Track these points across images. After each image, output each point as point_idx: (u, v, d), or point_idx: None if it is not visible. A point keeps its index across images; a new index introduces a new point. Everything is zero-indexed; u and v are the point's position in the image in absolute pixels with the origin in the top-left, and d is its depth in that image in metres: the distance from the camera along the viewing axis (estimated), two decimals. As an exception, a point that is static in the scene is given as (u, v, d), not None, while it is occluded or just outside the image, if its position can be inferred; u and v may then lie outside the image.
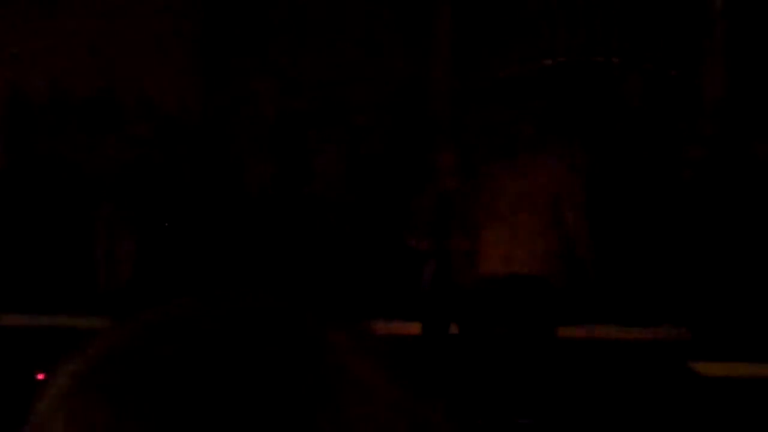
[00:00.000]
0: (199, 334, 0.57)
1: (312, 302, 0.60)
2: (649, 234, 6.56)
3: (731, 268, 6.72)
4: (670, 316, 6.79)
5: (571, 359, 6.20)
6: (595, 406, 6.18)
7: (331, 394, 0.56)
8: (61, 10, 7.00)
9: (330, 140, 6.44)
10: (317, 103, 6.63)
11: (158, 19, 7.00)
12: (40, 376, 6.35)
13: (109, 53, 6.98)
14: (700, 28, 7.30)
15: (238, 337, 0.57)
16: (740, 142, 6.83)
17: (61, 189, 6.58)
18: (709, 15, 7.30)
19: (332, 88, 6.74)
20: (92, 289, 6.43)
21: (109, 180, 6.55)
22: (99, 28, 7.00)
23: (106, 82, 6.97)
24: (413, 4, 7.26)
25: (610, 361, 6.68)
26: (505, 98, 6.60)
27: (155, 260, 6.36)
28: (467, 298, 5.49)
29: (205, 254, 6.46)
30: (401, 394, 0.60)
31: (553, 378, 5.77)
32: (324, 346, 0.58)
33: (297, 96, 6.73)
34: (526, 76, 7.06)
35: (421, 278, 5.65)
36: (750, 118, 7.09)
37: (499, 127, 6.35)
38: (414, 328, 5.95)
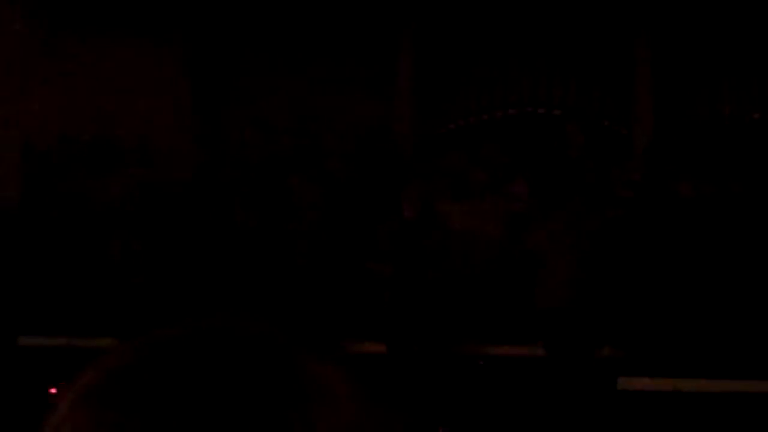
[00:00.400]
0: (192, 355, 0.64)
1: (289, 326, 0.67)
2: (588, 265, 7.42)
3: (658, 293, 7.55)
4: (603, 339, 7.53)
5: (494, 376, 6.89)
6: (529, 424, 6.73)
7: (303, 401, 0.64)
8: (68, 68, 7.89)
9: (307, 181, 7.34)
10: (295, 149, 7.55)
11: (156, 73, 7.91)
12: (53, 391, 7.10)
13: (111, 104, 7.88)
14: (628, 80, 8.28)
15: (224, 359, 0.64)
16: (665, 183, 7.76)
17: (74, 222, 7.42)
18: (636, 67, 8.28)
19: (308, 136, 7.68)
20: (106, 311, 7.21)
21: (117, 214, 7.42)
22: (102, 82, 7.89)
23: (108, 129, 7.86)
24: (378, 60, 8.21)
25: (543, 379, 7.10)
26: (460, 145, 7.53)
27: (161, 287, 7.18)
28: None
29: (201, 281, 7.28)
30: (365, 403, 0.68)
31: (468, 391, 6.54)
32: (298, 364, 0.65)
33: (277, 143, 7.66)
34: (479, 125, 8.02)
35: (384, 300, 6.55)
36: (674, 161, 8.05)
37: (454, 172, 7.26)
38: (381, 347, 6.77)
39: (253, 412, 0.62)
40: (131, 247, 7.42)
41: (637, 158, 7.93)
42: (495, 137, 7.71)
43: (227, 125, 7.94)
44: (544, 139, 7.74)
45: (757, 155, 8.33)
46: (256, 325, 0.67)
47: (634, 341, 7.50)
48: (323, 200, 7.30)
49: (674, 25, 8.58)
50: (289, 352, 0.66)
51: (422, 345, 6.61)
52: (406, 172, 7.14)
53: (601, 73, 8.27)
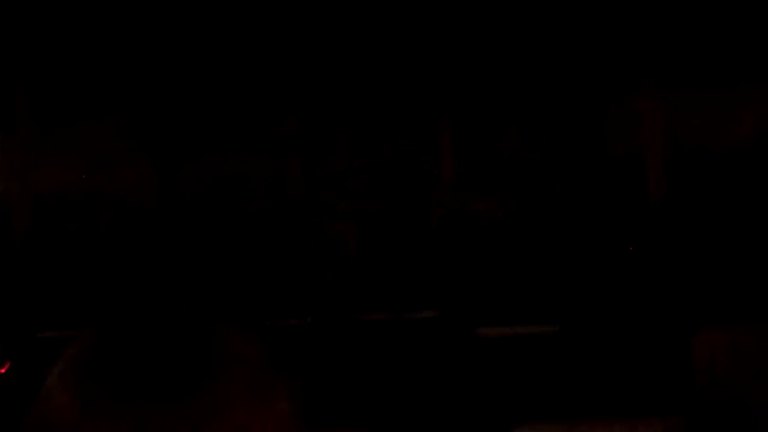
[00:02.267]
0: (138, 333, 0.85)
1: (212, 307, 0.87)
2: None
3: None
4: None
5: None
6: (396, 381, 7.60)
7: (214, 360, 0.83)
8: (62, 140, 11.16)
9: (235, 216, 10.72)
10: (227, 195, 10.93)
11: (123, 144, 11.28)
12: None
13: (93, 167, 11.21)
14: (435, 137, 11.41)
15: (159, 333, 0.85)
16: (466, 204, 10.90)
17: (76, 257, 10.57)
18: (441, 132, 11.53)
19: (238, 185, 11.09)
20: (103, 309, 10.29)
21: (103, 244, 10.69)
22: (87, 151, 11.24)
23: (93, 186, 11.16)
24: (274, 130, 11.66)
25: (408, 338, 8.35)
26: (340, 187, 10.78)
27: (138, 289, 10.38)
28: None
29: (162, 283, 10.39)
30: (268, 365, 0.85)
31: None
32: (214, 333, 0.85)
33: (215, 193, 11.06)
34: (349, 171, 11.41)
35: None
36: (471, 187, 11.13)
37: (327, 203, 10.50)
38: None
39: (177, 370, 0.82)
40: (115, 264, 10.72)
41: (446, 188, 11.25)
42: (356, 178, 11.34)
43: (180, 180, 11.24)
44: (387, 178, 11.42)
45: (533, 185, 11.10)
46: (185, 308, 0.87)
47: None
48: (247, 228, 10.70)
49: (467, 92, 11.52)
50: (207, 326, 0.86)
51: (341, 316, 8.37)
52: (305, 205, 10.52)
53: (416, 134, 11.79)
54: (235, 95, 11.56)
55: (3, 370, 8.38)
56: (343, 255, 9.41)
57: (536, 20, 11.44)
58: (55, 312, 9.37)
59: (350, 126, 11.83)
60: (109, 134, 11.32)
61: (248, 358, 0.85)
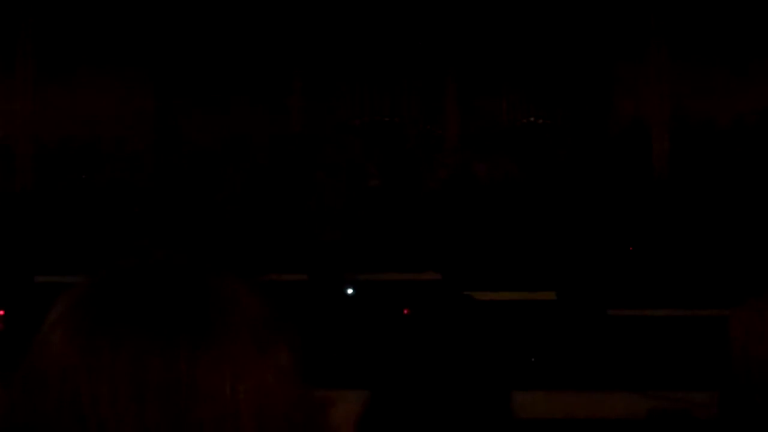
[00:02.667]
0: (137, 278, 0.88)
1: (209, 258, 0.87)
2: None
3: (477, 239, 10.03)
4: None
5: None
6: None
7: (212, 305, 0.85)
8: (68, 88, 11.22)
9: (237, 170, 10.83)
10: (227, 147, 11.04)
11: (129, 93, 11.37)
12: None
13: (97, 115, 11.30)
14: (441, 99, 11.77)
15: (162, 276, 0.87)
16: (468, 166, 11.53)
17: (75, 194, 10.70)
18: (446, 91, 11.71)
19: (238, 138, 11.18)
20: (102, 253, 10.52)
21: (103, 190, 10.81)
22: (91, 100, 11.33)
23: (95, 133, 11.25)
24: (277, 88, 11.69)
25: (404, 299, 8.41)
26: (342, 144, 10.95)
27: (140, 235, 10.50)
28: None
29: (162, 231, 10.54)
30: (264, 312, 0.87)
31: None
32: (214, 279, 0.88)
33: (214, 142, 11.18)
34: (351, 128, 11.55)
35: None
36: (474, 150, 11.58)
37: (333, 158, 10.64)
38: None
39: (177, 314, 0.84)
40: (114, 211, 10.84)
41: (449, 149, 11.52)
42: (359, 135, 11.51)
43: (181, 132, 11.43)
44: (390, 138, 11.58)
45: (528, 149, 11.21)
46: (185, 256, 0.88)
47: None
48: (247, 182, 10.81)
49: (472, 54, 11.77)
50: (208, 274, 0.88)
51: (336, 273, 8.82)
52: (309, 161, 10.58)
53: (424, 94, 12.06)
54: (239, 47, 11.64)
55: (2, 312, 8.65)
56: (342, 213, 9.63)
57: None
58: (53, 257, 9.50)
59: (353, 84, 11.94)
60: (110, 83, 11.31)
61: (248, 308, 0.86)
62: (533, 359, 7.39)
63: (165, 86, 11.72)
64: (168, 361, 0.81)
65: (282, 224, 9.82)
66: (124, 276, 0.88)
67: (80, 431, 0.81)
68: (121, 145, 11.27)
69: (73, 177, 10.93)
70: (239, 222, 10.17)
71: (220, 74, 11.64)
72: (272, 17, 11.50)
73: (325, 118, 11.78)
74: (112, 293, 0.86)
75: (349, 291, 8.66)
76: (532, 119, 12.03)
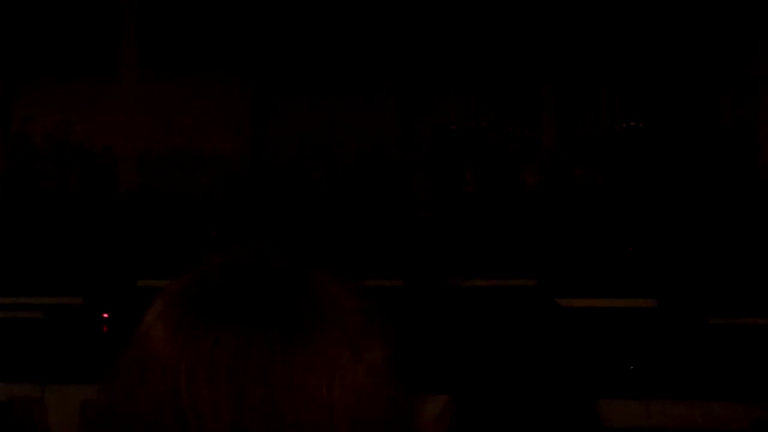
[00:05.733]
0: (236, 273, 0.88)
1: (309, 256, 0.86)
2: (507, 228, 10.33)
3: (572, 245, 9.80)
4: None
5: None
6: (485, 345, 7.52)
7: (308, 296, 0.86)
8: (169, 98, 11.47)
9: (327, 174, 10.85)
10: (319, 154, 11.06)
11: (225, 100, 11.56)
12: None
13: (196, 123, 11.51)
14: (538, 103, 11.70)
15: (261, 272, 0.88)
16: (566, 171, 11.30)
17: (173, 199, 10.89)
18: (543, 95, 11.70)
19: (331, 143, 11.17)
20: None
21: (199, 197, 10.96)
22: (190, 108, 11.53)
23: (195, 141, 11.45)
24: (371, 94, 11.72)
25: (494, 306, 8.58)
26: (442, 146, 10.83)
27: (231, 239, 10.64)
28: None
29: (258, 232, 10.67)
30: (363, 312, 0.87)
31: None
32: (312, 276, 0.88)
33: (307, 148, 11.24)
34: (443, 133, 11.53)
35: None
36: (572, 155, 11.30)
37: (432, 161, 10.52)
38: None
39: (275, 306, 0.85)
40: (210, 216, 10.97)
41: (547, 154, 11.35)
42: (455, 140, 11.45)
43: (274, 137, 11.55)
44: (486, 143, 11.50)
45: (628, 153, 11.04)
46: (283, 251, 0.88)
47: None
48: (339, 186, 10.84)
49: (571, 59, 11.63)
50: (306, 268, 0.89)
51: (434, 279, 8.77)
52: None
53: (522, 98, 11.93)
54: (335, 54, 11.67)
55: (106, 315, 8.88)
56: (438, 219, 9.56)
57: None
58: (155, 262, 9.63)
59: (450, 88, 11.87)
60: (209, 94, 11.47)
61: (345, 306, 0.86)
62: (632, 367, 7.27)
63: (263, 93, 11.86)
64: (265, 358, 0.81)
65: (378, 230, 9.82)
66: (223, 271, 0.89)
67: (179, 426, 0.81)
68: (218, 153, 11.42)
69: (174, 183, 11.12)
70: (335, 227, 10.23)
71: (317, 76, 11.69)
72: (369, 23, 11.53)
73: (422, 123, 11.75)
74: (212, 288, 0.86)
75: (444, 297, 8.66)
76: (632, 123, 11.81)
